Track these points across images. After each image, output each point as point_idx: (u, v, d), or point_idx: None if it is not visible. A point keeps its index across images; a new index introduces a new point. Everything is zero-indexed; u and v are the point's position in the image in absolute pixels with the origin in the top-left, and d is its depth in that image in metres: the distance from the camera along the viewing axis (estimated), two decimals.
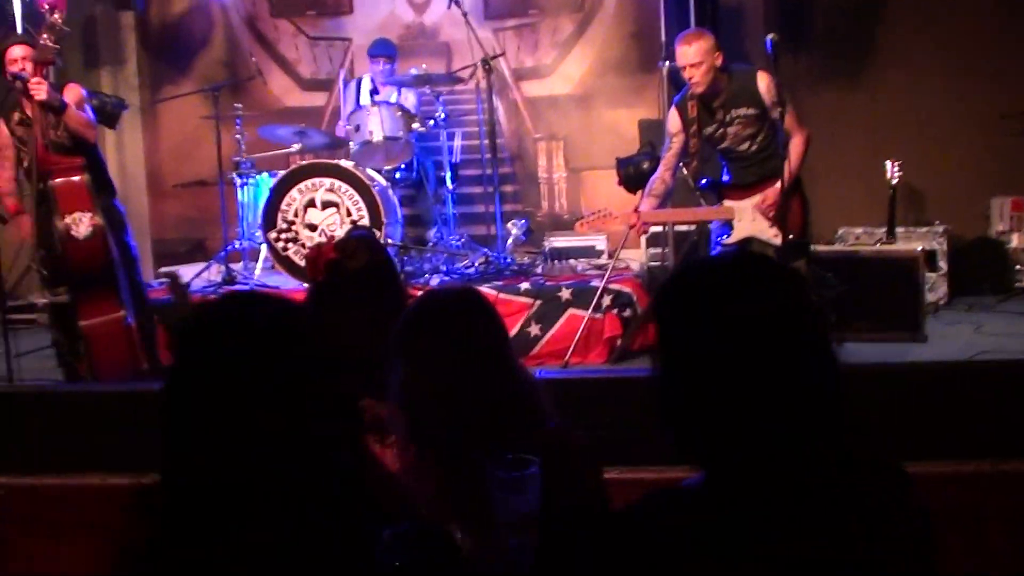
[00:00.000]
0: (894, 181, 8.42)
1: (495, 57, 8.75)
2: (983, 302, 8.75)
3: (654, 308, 1.94)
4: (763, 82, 6.15)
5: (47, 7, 6.69)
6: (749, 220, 6.24)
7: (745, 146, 6.30)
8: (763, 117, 6.21)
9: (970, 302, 8.74)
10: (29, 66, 6.52)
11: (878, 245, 8.22)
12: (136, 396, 5.29)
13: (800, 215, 6.29)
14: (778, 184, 6.04)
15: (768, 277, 1.87)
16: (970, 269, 9.11)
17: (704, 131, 6.28)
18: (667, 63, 8.15)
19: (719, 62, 6.13)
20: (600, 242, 9.12)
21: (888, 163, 8.43)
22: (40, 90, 6.39)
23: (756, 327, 1.77)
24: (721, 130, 6.27)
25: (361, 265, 3.77)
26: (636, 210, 6.45)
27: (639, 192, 7.69)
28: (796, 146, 6.18)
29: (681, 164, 6.58)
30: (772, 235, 6.20)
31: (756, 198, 6.25)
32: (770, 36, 5.97)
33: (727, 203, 6.34)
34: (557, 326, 7.54)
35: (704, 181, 6.64)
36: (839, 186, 8.96)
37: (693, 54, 6.10)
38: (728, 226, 6.33)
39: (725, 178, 6.49)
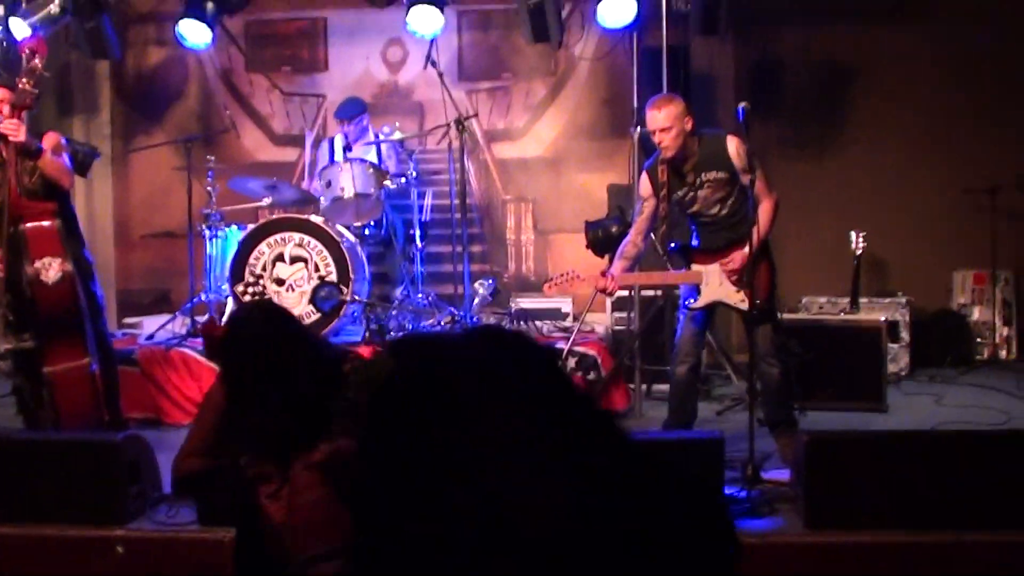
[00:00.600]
0: (858, 251, 8.50)
1: (468, 118, 8.81)
2: (944, 374, 8.86)
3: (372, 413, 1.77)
4: (733, 146, 6.19)
5: (28, 51, 6.71)
6: (716, 284, 6.28)
7: (715, 210, 6.33)
8: (733, 181, 6.24)
9: (931, 373, 8.85)
10: (6, 109, 6.52)
11: (842, 315, 8.29)
12: (96, 446, 5.26)
13: (767, 281, 6.30)
14: (745, 247, 6.08)
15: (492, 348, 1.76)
16: (932, 341, 9.24)
17: (674, 195, 6.31)
18: (638, 129, 8.23)
19: (689, 127, 6.18)
20: (566, 304, 9.17)
21: (853, 233, 8.52)
22: (18, 132, 6.38)
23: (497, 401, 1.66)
24: (691, 194, 6.31)
25: (254, 336, 3.75)
26: (604, 272, 6.48)
27: (606, 256, 7.77)
28: (765, 211, 6.20)
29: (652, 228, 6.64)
30: (739, 300, 6.23)
31: (723, 261, 6.28)
32: (742, 105, 5.99)
33: (695, 267, 6.37)
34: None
35: (673, 245, 6.67)
36: (804, 254, 9.09)
37: (663, 119, 6.16)
38: (696, 290, 6.36)
39: (694, 242, 6.52)
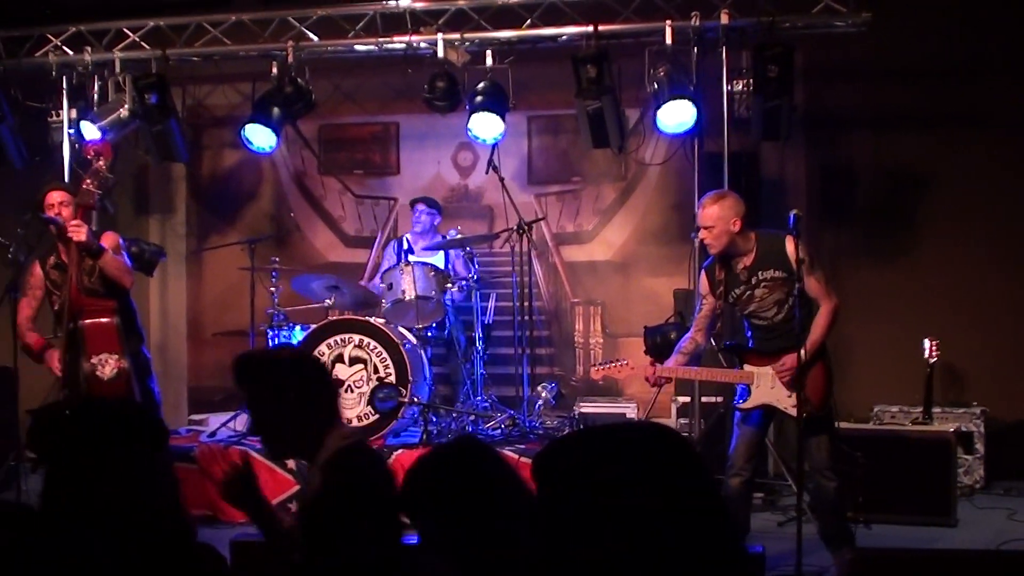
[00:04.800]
0: (932, 360, 8.31)
1: (535, 221, 8.86)
2: (1021, 487, 8.54)
3: (533, 474, 1.91)
4: (791, 246, 6.06)
5: (92, 154, 6.89)
6: (767, 387, 6.15)
7: (771, 313, 6.21)
8: (791, 282, 6.10)
9: (1007, 486, 8.54)
10: (66, 211, 6.68)
11: (909, 424, 8.08)
12: None
13: (822, 387, 6.13)
14: (799, 351, 5.97)
15: (646, 446, 1.84)
16: (1009, 452, 8.90)
17: (731, 293, 6.25)
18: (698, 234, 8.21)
19: (736, 227, 6.09)
20: (631, 410, 9.08)
21: (926, 341, 8.34)
22: (79, 232, 6.52)
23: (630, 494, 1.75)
24: (748, 293, 6.22)
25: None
26: (653, 363, 6.42)
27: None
28: (822, 315, 6.08)
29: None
30: (789, 404, 6.07)
31: (776, 365, 6.16)
32: (793, 212, 5.94)
33: (747, 368, 6.26)
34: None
35: (728, 343, 6.60)
36: (876, 363, 8.91)
37: (706, 217, 6.15)
38: (748, 391, 6.25)
39: (750, 344, 6.41)
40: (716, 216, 6.11)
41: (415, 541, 2.97)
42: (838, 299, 6.17)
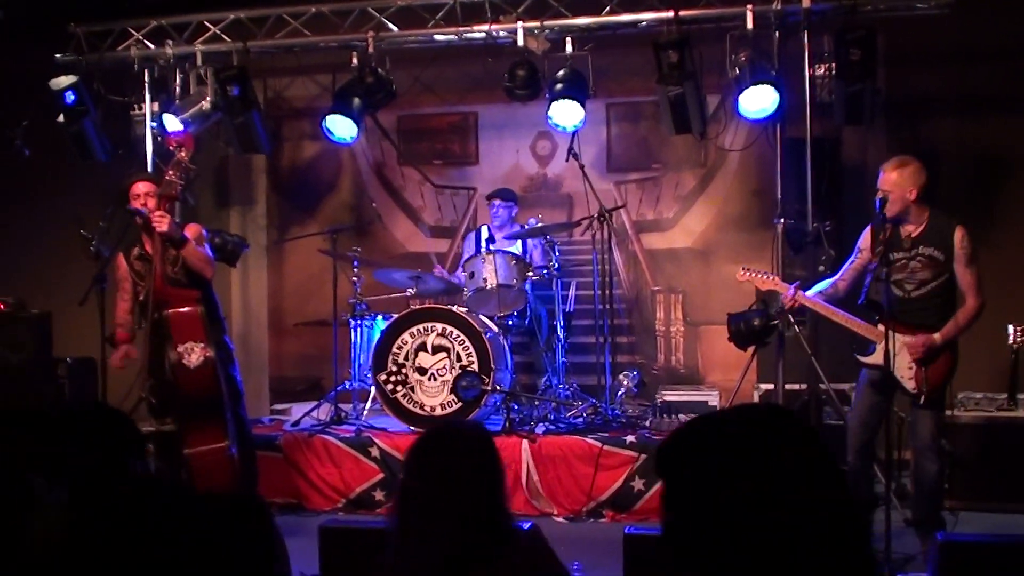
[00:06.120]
0: (1016, 346, 8.15)
1: (614, 209, 8.83)
2: None
3: (658, 462, 1.89)
4: (959, 234, 6.20)
5: (175, 145, 6.97)
6: (894, 351, 6.14)
7: (912, 287, 6.28)
8: (946, 267, 6.20)
9: None
10: (151, 202, 6.76)
11: (996, 411, 7.94)
12: None
13: (943, 373, 6.29)
14: (934, 334, 6.15)
15: (774, 430, 1.81)
16: None
17: (891, 254, 6.25)
18: (782, 220, 8.14)
19: (912, 195, 6.18)
20: (713, 397, 9.00)
21: (1010, 327, 8.18)
22: (163, 223, 6.59)
23: (760, 481, 1.72)
24: (904, 260, 6.27)
25: None
26: (795, 286, 6.60)
27: (749, 350, 7.65)
28: (967, 308, 6.22)
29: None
30: (907, 377, 6.21)
31: (908, 338, 6.20)
32: (880, 195, 5.97)
33: (880, 327, 6.26)
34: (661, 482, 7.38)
35: (865, 299, 6.56)
36: (960, 349, 8.71)
37: (884, 181, 6.21)
38: (874, 348, 6.30)
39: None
40: (894, 182, 6.21)
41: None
42: (984, 299, 6.24)
